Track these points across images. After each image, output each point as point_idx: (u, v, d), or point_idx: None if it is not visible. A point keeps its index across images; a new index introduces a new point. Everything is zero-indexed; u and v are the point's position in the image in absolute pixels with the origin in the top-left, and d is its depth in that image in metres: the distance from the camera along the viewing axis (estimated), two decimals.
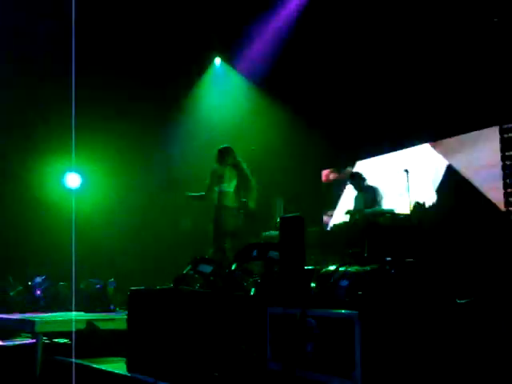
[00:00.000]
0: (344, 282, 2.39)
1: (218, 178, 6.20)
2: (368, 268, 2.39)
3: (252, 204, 6.28)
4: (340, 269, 2.58)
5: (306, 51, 8.68)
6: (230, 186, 6.22)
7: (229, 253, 6.05)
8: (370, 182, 7.49)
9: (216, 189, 6.21)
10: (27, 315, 5.38)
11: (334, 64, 8.39)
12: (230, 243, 6.23)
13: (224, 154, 6.32)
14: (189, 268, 4.41)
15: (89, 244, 7.75)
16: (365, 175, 7.50)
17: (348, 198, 7.90)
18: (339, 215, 8.10)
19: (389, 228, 5.93)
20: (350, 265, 2.58)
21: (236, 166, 6.29)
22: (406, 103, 7.66)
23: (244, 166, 6.38)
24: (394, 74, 7.75)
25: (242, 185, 6.28)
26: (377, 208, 6.84)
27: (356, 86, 8.22)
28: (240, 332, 3.46)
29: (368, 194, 7.17)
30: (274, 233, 6.93)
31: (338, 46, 8.27)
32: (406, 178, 6.38)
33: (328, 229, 7.26)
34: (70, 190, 9.08)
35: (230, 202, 6.18)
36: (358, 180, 7.39)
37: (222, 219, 6.17)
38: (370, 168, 8.56)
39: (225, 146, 6.45)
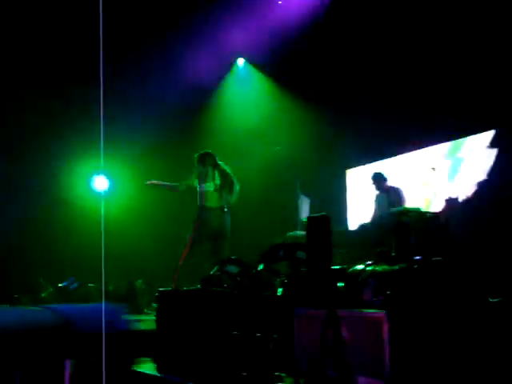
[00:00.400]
0: (372, 282, 2.38)
1: (201, 177, 6.26)
2: (396, 267, 2.38)
3: (233, 200, 6.37)
4: (367, 268, 2.57)
5: (330, 49, 8.65)
6: (212, 186, 6.27)
7: (215, 255, 6.05)
8: (396, 181, 7.45)
9: (198, 189, 6.26)
10: None
11: (358, 61, 8.35)
12: (215, 245, 6.23)
13: (205, 156, 6.40)
14: (216, 269, 4.44)
15: (117, 246, 7.84)
16: (387, 175, 7.47)
17: (369, 198, 7.87)
18: (364, 215, 8.05)
19: (416, 227, 5.87)
20: (378, 264, 2.56)
21: (217, 166, 6.37)
22: (431, 100, 7.58)
23: (225, 166, 6.43)
24: (420, 71, 7.67)
25: (226, 184, 6.34)
26: (404, 207, 6.80)
27: (380, 83, 8.16)
28: (267, 332, 3.47)
29: (391, 195, 7.18)
30: (300, 233, 6.93)
31: (361, 43, 8.22)
32: (432, 175, 6.32)
33: (354, 228, 7.22)
34: (98, 193, 9.20)
35: (214, 202, 6.21)
36: (379, 180, 7.39)
37: (206, 220, 6.19)
38: (396, 166, 8.49)
39: (204, 150, 6.56)
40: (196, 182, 6.35)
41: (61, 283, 6.74)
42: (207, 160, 6.39)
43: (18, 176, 8.92)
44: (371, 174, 7.59)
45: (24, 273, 8.01)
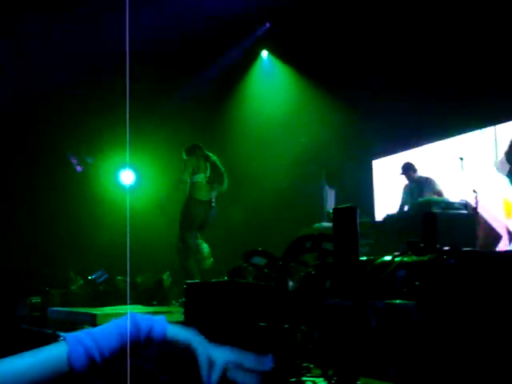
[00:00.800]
0: (401, 272, 2.36)
1: (193, 169, 6.23)
2: (425, 258, 2.35)
3: (224, 189, 6.33)
4: (396, 259, 2.55)
5: (355, 38, 8.56)
6: (203, 177, 6.22)
7: (200, 244, 6.06)
8: (423, 171, 7.37)
9: (188, 180, 6.23)
10: (88, 308, 5.57)
11: (384, 50, 8.26)
12: (198, 235, 6.21)
13: (195, 148, 6.36)
14: (243, 260, 4.46)
15: (144, 239, 7.97)
16: (416, 165, 7.40)
17: (396, 188, 7.80)
18: (391, 205, 7.98)
19: (444, 217, 5.81)
20: (406, 255, 2.54)
21: (207, 158, 6.32)
22: (458, 88, 7.46)
23: (214, 157, 6.38)
24: (447, 59, 7.55)
25: (216, 176, 6.29)
26: (431, 197, 6.73)
27: (407, 72, 8.05)
28: (295, 323, 3.48)
29: (423, 185, 7.11)
30: (326, 224, 6.92)
31: (386, 30, 8.12)
32: (460, 165, 6.25)
33: (381, 219, 7.16)
34: (125, 187, 9.31)
35: (203, 194, 6.16)
36: (409, 171, 7.33)
37: (192, 212, 6.17)
38: (423, 156, 8.39)
39: (192, 142, 6.51)
40: (187, 175, 6.30)
41: (90, 276, 6.84)
42: (197, 151, 6.36)
43: (46, 171, 9.08)
44: (401, 164, 7.55)
45: (54, 266, 8.17)
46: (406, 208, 7.35)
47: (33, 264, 8.70)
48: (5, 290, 8.34)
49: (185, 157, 6.40)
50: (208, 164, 6.32)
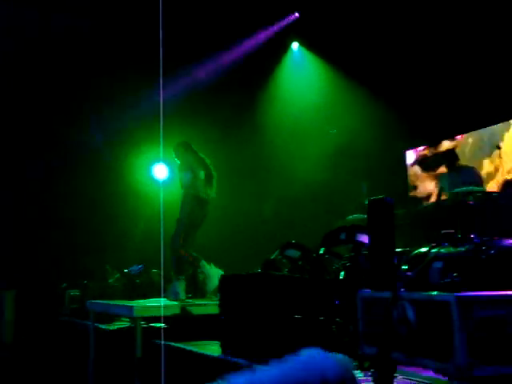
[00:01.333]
0: (438, 264, 2.33)
1: (192, 166, 5.95)
2: (463, 249, 2.32)
3: (213, 194, 6.03)
4: (432, 250, 2.52)
5: (385, 28, 8.46)
6: (203, 174, 5.98)
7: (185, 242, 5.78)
8: (459, 160, 7.25)
9: (187, 177, 5.89)
10: (125, 301, 5.68)
11: (416, 40, 8.13)
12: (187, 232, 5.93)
13: (188, 145, 6.08)
14: (277, 253, 4.47)
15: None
16: (457, 154, 7.29)
17: (431, 178, 7.71)
18: (425, 196, 7.88)
19: (480, 207, 5.70)
20: (443, 246, 2.51)
21: (198, 155, 6.05)
22: (494, 77, 7.29)
23: (208, 159, 6.13)
24: (478, 49, 7.39)
25: (208, 174, 6.00)
26: (469, 187, 6.61)
27: (440, 61, 7.91)
28: (330, 316, 3.48)
29: (463, 174, 7.00)
30: (359, 216, 6.87)
31: (419, 21, 7.99)
32: (497, 154, 6.11)
33: (415, 210, 7.07)
34: (158, 182, 9.41)
35: (202, 192, 5.89)
36: (450, 159, 7.21)
37: (196, 211, 5.85)
38: (459, 146, 8.25)
39: (181, 140, 6.26)
40: (200, 170, 5.95)
41: (126, 269, 6.95)
42: (191, 149, 6.11)
43: (83, 167, 9.26)
44: (442, 153, 7.42)
45: (92, 260, 8.34)
46: (443, 197, 7.26)
47: (71, 257, 8.91)
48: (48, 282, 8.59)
49: (182, 155, 6.00)
50: (201, 161, 6.04)
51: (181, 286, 5.52)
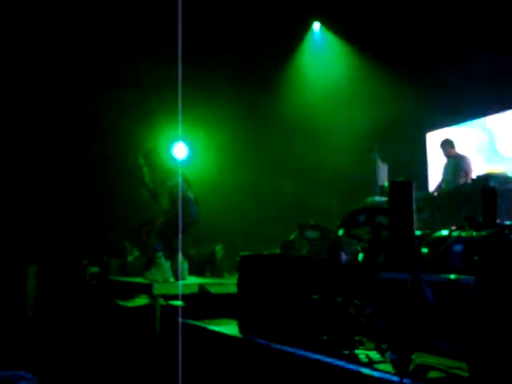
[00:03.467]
0: (459, 247, 2.32)
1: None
2: (484, 233, 2.30)
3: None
4: (453, 233, 2.50)
5: (407, 7, 8.30)
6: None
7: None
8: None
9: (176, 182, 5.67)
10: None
11: (438, 19, 7.97)
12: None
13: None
14: (296, 234, 4.48)
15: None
16: (455, 142, 7.31)
17: (440, 161, 7.71)
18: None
19: (502, 192, 5.63)
20: (464, 229, 2.49)
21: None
22: None
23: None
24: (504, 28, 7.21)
25: None
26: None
27: (460, 42, 7.75)
28: (349, 297, 3.48)
29: (459, 162, 7.04)
30: (378, 198, 6.83)
31: (440, 3, 7.83)
32: None
33: (435, 194, 7.02)
34: (177, 161, 9.43)
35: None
36: (446, 147, 7.26)
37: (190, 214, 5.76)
38: (480, 129, 8.13)
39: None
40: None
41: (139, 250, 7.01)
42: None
43: (103, 145, 9.33)
44: (441, 141, 7.46)
45: (112, 237, 8.44)
46: (441, 184, 7.27)
47: (92, 234, 9.04)
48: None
49: (161, 159, 5.89)
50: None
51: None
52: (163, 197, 5.72)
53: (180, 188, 5.55)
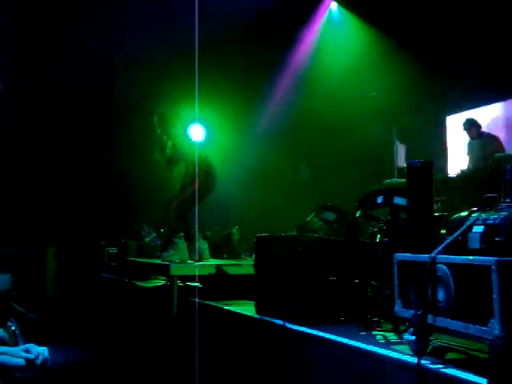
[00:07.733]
0: (479, 228, 2.28)
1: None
2: (505, 213, 2.26)
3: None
4: (473, 215, 2.46)
5: None
6: None
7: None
8: (500, 127, 7.09)
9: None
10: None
11: (457, 2, 7.80)
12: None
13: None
14: (312, 215, 4.46)
15: (213, 194, 8.10)
16: (481, 122, 7.17)
17: (460, 144, 7.59)
18: (464, 162, 7.70)
19: None
20: (485, 211, 2.44)
21: None
22: None
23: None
24: None
25: None
26: (510, 152, 6.45)
27: (481, 24, 7.58)
28: (366, 278, 3.47)
29: (485, 142, 6.90)
30: (396, 180, 6.77)
31: None
32: None
33: (454, 175, 6.93)
34: (194, 143, 9.43)
35: None
36: (472, 127, 7.11)
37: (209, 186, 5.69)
38: (500, 112, 7.99)
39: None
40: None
41: (162, 229, 7.04)
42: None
43: (120, 128, 9.37)
44: (463, 121, 7.33)
45: (130, 218, 8.50)
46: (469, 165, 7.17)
47: (110, 216, 9.12)
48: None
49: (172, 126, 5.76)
50: None
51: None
52: (174, 167, 5.66)
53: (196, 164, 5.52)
